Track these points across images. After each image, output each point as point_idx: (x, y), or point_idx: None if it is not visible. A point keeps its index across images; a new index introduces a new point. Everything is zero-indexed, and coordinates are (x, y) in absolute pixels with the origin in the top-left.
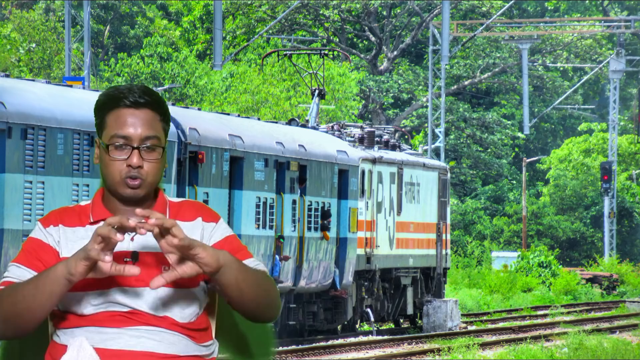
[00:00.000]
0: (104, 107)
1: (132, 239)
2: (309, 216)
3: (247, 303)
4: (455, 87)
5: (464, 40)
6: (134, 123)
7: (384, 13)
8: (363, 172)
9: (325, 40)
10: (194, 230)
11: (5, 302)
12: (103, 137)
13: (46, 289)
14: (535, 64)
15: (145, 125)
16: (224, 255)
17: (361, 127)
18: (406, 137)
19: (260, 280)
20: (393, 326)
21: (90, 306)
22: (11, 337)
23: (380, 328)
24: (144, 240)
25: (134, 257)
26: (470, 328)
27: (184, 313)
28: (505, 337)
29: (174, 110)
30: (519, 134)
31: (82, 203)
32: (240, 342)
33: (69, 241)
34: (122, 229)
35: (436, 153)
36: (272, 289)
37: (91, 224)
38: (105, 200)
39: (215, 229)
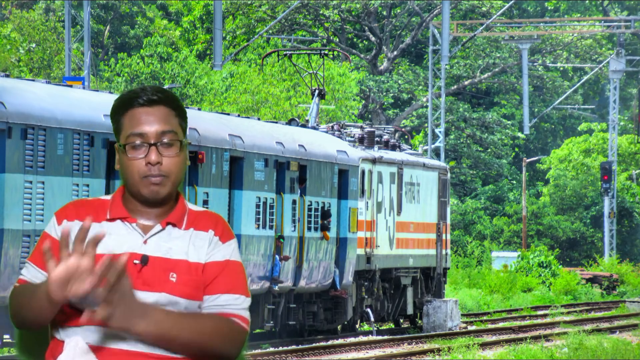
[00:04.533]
0: (118, 111)
1: (145, 242)
2: (309, 216)
3: (179, 350)
4: (455, 87)
5: (464, 40)
6: (148, 120)
7: (384, 13)
8: (363, 172)
9: (325, 40)
10: (204, 241)
11: (14, 303)
12: (120, 140)
13: (38, 303)
14: (535, 64)
15: (160, 121)
16: (146, 323)
17: (361, 127)
18: (406, 137)
19: (208, 330)
20: (393, 326)
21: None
22: (29, 329)
23: (380, 328)
24: (156, 245)
25: (144, 260)
26: (470, 328)
27: None
28: (505, 337)
29: None
30: (519, 134)
31: (103, 197)
32: None
33: None
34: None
35: (436, 153)
36: (226, 339)
37: (108, 220)
38: (125, 199)
39: (220, 248)
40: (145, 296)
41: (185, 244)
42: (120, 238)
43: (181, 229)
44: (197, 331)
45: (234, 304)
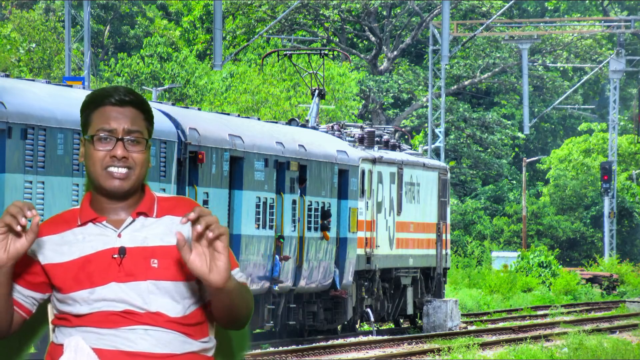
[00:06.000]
0: (89, 106)
1: (119, 235)
2: (309, 216)
3: (228, 318)
4: (455, 87)
5: (464, 40)
6: (118, 118)
7: (384, 13)
8: (363, 172)
9: (325, 40)
10: (186, 227)
11: None
12: (88, 132)
13: None
14: (535, 64)
15: (129, 120)
16: (231, 279)
17: (361, 127)
18: (406, 137)
19: (245, 296)
20: (393, 326)
21: (85, 305)
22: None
23: (380, 328)
24: (130, 236)
25: (122, 252)
26: (470, 328)
27: (177, 307)
28: (505, 337)
29: (174, 110)
30: (519, 134)
31: (73, 208)
32: (222, 343)
33: (57, 245)
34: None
35: (436, 153)
36: (251, 304)
37: (79, 226)
38: (92, 202)
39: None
40: (133, 286)
41: (160, 231)
42: (94, 238)
43: (152, 217)
44: (243, 295)
45: (240, 275)
